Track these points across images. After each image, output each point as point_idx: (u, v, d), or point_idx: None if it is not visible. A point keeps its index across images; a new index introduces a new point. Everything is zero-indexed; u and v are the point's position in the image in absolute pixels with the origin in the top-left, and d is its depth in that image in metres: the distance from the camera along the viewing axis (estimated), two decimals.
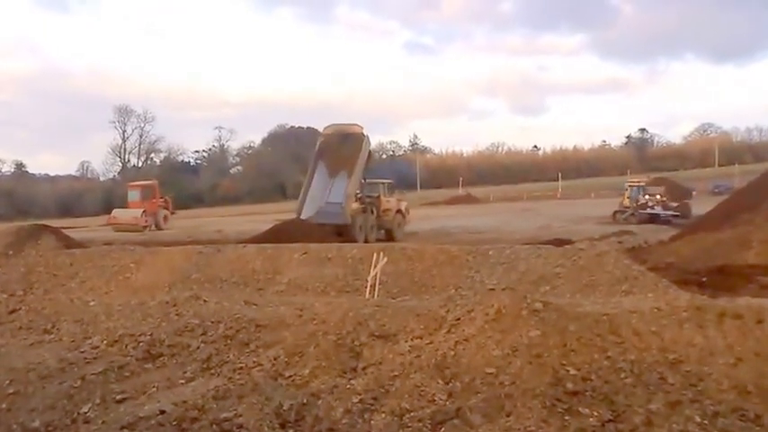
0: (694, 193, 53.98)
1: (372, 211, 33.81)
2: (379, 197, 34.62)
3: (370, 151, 35.43)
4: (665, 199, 46.27)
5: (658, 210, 44.84)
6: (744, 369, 6.92)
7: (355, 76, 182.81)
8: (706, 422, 6.05)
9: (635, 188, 49.38)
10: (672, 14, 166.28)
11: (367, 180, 34.67)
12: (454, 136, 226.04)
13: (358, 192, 33.54)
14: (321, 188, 33.07)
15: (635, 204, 46.46)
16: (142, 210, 47.11)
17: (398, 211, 35.79)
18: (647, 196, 47.03)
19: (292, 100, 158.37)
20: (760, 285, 15.35)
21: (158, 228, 47.15)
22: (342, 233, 31.08)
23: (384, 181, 36.70)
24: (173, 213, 51.19)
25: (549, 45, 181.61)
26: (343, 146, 33.61)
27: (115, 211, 48.86)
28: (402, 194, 40.96)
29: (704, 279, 16.29)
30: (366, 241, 30.61)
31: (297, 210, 33.07)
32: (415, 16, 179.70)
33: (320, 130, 37.85)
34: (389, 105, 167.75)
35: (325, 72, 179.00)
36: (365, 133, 34.66)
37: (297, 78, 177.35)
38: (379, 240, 31.78)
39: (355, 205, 32.76)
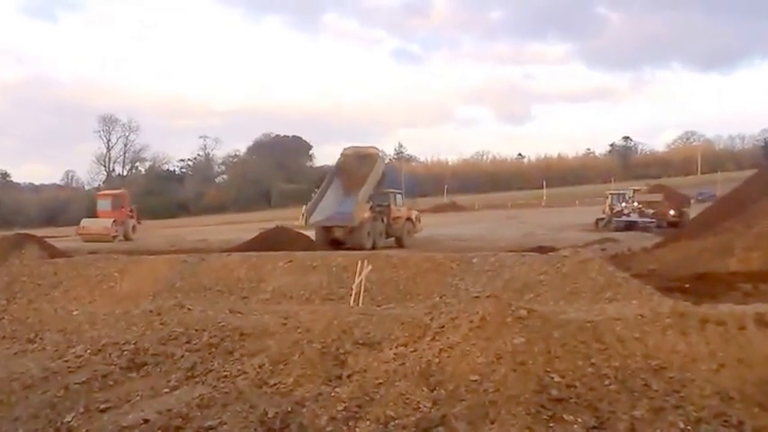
0: (693, 201, 53.93)
1: (383, 220, 35.17)
2: (389, 206, 35.89)
3: (384, 169, 37.46)
4: (641, 206, 46.51)
5: (635, 217, 45.09)
6: (726, 375, 6.97)
7: (343, 84, 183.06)
8: (689, 428, 6.09)
9: (615, 196, 49.76)
10: (658, 23, 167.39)
11: (379, 190, 36.11)
12: (440, 144, 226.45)
13: (369, 201, 34.67)
14: (333, 200, 34.62)
15: (610, 212, 46.81)
16: (112, 219, 46.37)
17: (408, 219, 37.18)
18: (623, 204, 47.38)
19: (279, 108, 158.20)
20: (742, 292, 15.44)
21: (127, 238, 46.21)
22: (348, 241, 32.54)
23: (395, 191, 38.49)
24: (139, 223, 50.23)
25: (537, 54, 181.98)
26: (359, 166, 35.50)
27: (84, 221, 47.85)
28: (414, 203, 42.66)
29: (687, 286, 16.37)
30: (373, 248, 31.67)
31: (306, 214, 34.16)
32: (404, 25, 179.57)
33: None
34: (376, 114, 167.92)
35: (313, 80, 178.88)
36: (380, 154, 38.09)
37: (284, 87, 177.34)
38: (386, 247, 32.61)
39: (366, 213, 33.92)
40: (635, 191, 51.37)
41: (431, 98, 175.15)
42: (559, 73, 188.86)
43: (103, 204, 49.02)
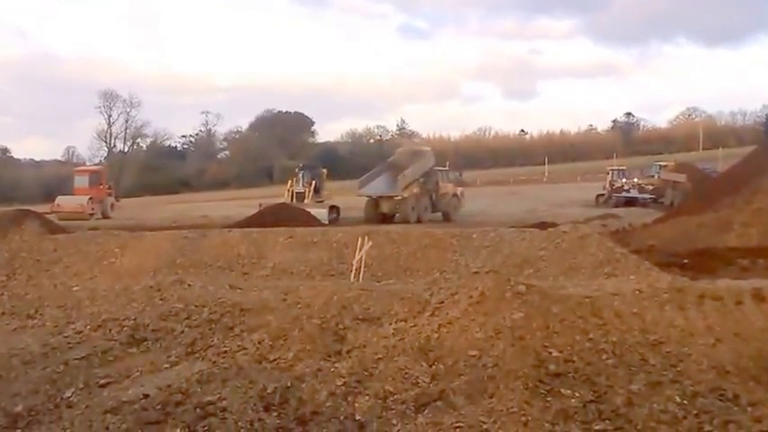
0: None
1: (431, 196, 37.79)
2: (437, 182, 38.39)
3: (432, 164, 39.97)
4: (640, 182, 46.74)
5: (634, 193, 45.33)
6: (723, 350, 7.00)
7: (346, 59, 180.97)
8: (686, 402, 6.13)
9: (615, 172, 49.98)
10: None
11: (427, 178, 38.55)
12: (445, 121, 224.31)
13: (417, 180, 37.33)
14: (384, 183, 37.19)
15: (610, 188, 47.03)
16: (88, 197, 44.14)
17: (455, 195, 39.64)
18: (624, 180, 47.66)
19: (282, 84, 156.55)
20: (740, 267, 15.49)
21: (105, 216, 44.01)
22: (394, 214, 35.65)
23: (443, 168, 41.17)
24: (117, 201, 48.69)
25: (543, 29, 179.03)
26: (410, 160, 38.45)
27: (59, 199, 44.78)
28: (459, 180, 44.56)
29: (686, 261, 16.41)
30: (418, 221, 34.42)
31: (358, 185, 37.82)
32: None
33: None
34: (381, 90, 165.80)
35: (316, 56, 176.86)
36: (431, 152, 41.77)
37: (287, 62, 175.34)
38: (432, 221, 34.99)
39: (416, 189, 36.92)
40: (662, 166, 50.78)
41: (436, 74, 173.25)
42: (565, 48, 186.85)
43: (80, 181, 47.07)
